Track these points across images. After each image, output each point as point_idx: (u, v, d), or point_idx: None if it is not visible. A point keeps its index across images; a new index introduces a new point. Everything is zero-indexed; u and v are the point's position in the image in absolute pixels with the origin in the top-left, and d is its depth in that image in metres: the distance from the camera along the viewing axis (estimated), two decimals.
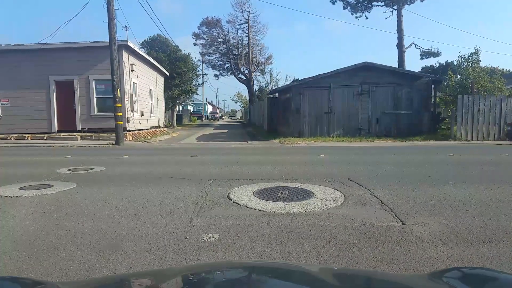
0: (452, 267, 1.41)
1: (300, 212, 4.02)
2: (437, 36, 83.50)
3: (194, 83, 33.74)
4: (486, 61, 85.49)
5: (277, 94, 26.35)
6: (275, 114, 24.18)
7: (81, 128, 17.85)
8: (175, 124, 32.54)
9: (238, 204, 4.30)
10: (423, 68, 34.47)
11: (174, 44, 32.57)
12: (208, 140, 19.65)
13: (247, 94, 45.81)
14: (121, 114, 15.17)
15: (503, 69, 36.11)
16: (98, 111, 17.94)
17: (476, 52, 19.04)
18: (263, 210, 4.06)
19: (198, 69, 34.96)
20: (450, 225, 3.65)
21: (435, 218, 3.89)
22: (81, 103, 17.89)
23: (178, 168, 7.33)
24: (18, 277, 1.60)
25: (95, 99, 17.97)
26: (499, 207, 4.28)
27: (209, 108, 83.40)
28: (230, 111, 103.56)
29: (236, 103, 76.96)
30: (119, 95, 15.09)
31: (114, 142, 14.97)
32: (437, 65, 35.47)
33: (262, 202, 4.38)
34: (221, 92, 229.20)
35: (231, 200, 4.46)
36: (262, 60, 45.02)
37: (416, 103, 18.72)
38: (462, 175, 6.27)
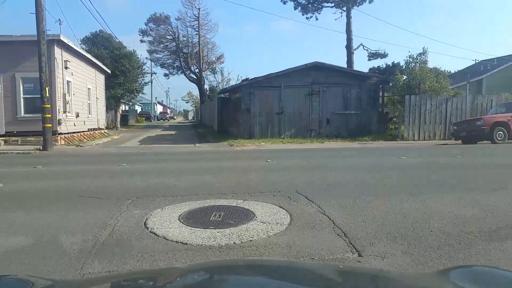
0: (457, 265, 1.53)
1: (234, 243, 3.18)
2: (384, 37, 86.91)
3: (139, 82, 32.01)
4: (432, 62, 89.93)
5: (228, 94, 25.49)
6: (226, 114, 23.30)
7: (6, 132, 15.90)
8: (118, 125, 30.62)
9: (156, 234, 3.37)
10: (370, 69, 35.08)
11: (118, 41, 30.67)
12: (152, 142, 18.35)
13: (199, 94, 44.49)
14: (49, 115, 13.58)
15: (445, 70, 37.84)
16: (25, 112, 16.07)
17: (424, 52, 19.33)
18: (186, 243, 3.17)
19: (144, 67, 33.20)
20: (416, 255, 2.98)
21: (397, 244, 3.21)
22: (5, 104, 15.94)
23: (96, 181, 6.21)
24: (19, 276, 1.56)
25: (22, 100, 16.08)
26: (468, 223, 3.70)
27: (159, 108, 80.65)
28: (183, 111, 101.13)
29: (187, 103, 74.96)
30: (47, 95, 13.50)
31: (41, 147, 13.35)
32: (384, 66, 36.29)
33: (188, 230, 3.48)
34: (173, 92, 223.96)
35: (148, 229, 3.51)
36: (214, 59, 43.95)
37: (365, 104, 18.63)
38: (418, 182, 5.76)
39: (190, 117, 73.49)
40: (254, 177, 6.41)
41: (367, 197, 4.74)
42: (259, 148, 14.51)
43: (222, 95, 27.21)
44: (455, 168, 7.16)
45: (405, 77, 19.48)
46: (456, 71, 32.50)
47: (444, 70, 36.46)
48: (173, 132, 26.81)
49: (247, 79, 19.57)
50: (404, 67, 20.23)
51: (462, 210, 4.15)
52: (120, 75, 28.63)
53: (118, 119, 31.50)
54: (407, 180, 6.02)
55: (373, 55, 34.87)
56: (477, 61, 30.75)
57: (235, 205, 4.35)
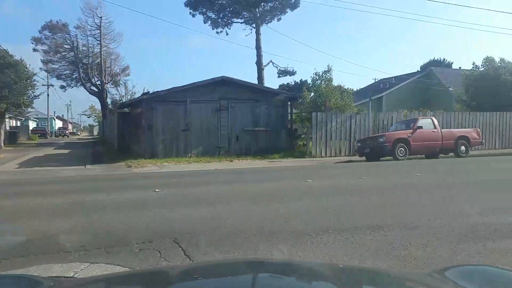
0: (457, 265, 1.58)
1: None
2: (293, 55, 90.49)
3: (29, 95, 28.18)
4: (337, 80, 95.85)
5: (130, 108, 23.42)
6: (128, 131, 21.23)
7: None
8: (2, 144, 26.49)
9: None
10: (280, 85, 35.65)
11: (1, 48, 26.71)
12: (35, 165, 15.70)
13: (101, 108, 41.03)
14: None
15: (349, 88, 40.06)
16: None
17: (329, 70, 19.66)
18: None
19: (35, 78, 29.38)
20: None
21: None
22: None
23: None
24: (19, 275, 1.57)
25: None
26: None
27: (58, 124, 73.48)
28: (88, 127, 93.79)
29: (89, 117, 69.28)
30: None
31: None
32: (293, 83, 37.11)
33: None
34: (78, 106, 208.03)
35: None
36: (118, 70, 41.03)
37: (274, 120, 18.21)
38: (326, 219, 4.93)
39: (95, 133, 68.12)
40: (126, 217, 5.04)
41: (268, 251, 3.71)
42: (160, 170, 13.03)
43: (126, 110, 25.02)
44: (363, 192, 6.60)
45: (312, 94, 19.56)
46: (359, 89, 34.37)
47: (348, 88, 38.49)
48: (67, 151, 23.83)
49: (147, 93, 17.94)
50: (311, 84, 20.37)
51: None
52: (4, 87, 24.83)
53: (2, 137, 27.28)
54: (311, 214, 5.18)
55: (283, 72, 35.43)
56: (376, 80, 32.85)
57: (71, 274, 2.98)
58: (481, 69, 22.85)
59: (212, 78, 17.28)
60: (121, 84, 39.81)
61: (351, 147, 17.64)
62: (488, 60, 22.56)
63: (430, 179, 8.23)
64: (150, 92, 18.27)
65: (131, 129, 20.25)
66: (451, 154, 15.48)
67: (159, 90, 17.26)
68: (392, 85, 30.34)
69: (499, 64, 22.05)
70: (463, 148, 15.17)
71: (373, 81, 33.69)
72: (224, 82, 17.45)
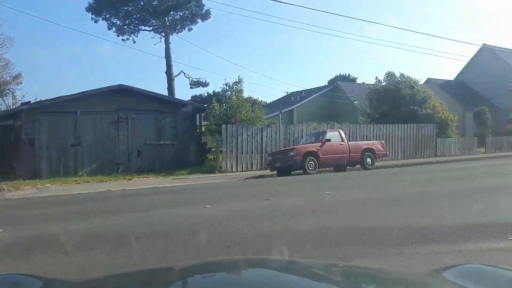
0: (457, 264, 1.46)
1: None
2: (206, 66, 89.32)
3: None
4: (251, 92, 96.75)
5: (13, 120, 20.17)
6: (7, 147, 18.11)
7: None
8: None
9: None
10: (192, 97, 34.35)
11: None
12: None
13: None
14: None
15: (262, 100, 40.19)
16: None
17: (240, 81, 18.92)
18: None
19: None
20: None
21: None
22: None
23: None
24: (19, 275, 1.51)
25: None
26: None
27: None
28: None
29: None
30: None
31: None
32: (206, 94, 36.02)
33: None
34: None
35: None
36: (8, 78, 36.10)
37: (182, 133, 16.83)
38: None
39: None
40: None
41: None
42: (38, 194, 10.87)
43: (9, 122, 21.53)
44: (266, 218, 5.61)
45: (224, 105, 18.59)
46: (272, 101, 34.49)
47: (261, 100, 38.50)
48: None
49: (28, 103, 15.38)
50: (221, 95, 19.43)
51: None
52: None
53: None
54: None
55: (195, 83, 34.17)
56: (288, 93, 33.23)
57: None
58: (383, 84, 24.03)
59: (108, 87, 15.43)
60: (7, 94, 34.99)
61: (263, 160, 16.93)
62: (390, 75, 23.82)
63: (340, 196, 7.59)
64: (32, 102, 15.68)
65: (11, 145, 17.27)
66: (358, 166, 15.54)
67: (43, 99, 14.90)
68: (302, 98, 30.86)
69: (399, 79, 23.36)
70: (369, 160, 15.30)
71: (285, 94, 34.05)
72: (123, 91, 15.67)
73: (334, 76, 47.97)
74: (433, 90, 27.03)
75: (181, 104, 17.31)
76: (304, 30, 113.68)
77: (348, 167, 15.75)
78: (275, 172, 14.85)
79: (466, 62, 36.44)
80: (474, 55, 35.86)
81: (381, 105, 23.14)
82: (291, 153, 13.90)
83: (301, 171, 14.05)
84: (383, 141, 16.94)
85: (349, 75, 50.24)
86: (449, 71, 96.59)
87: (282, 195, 8.12)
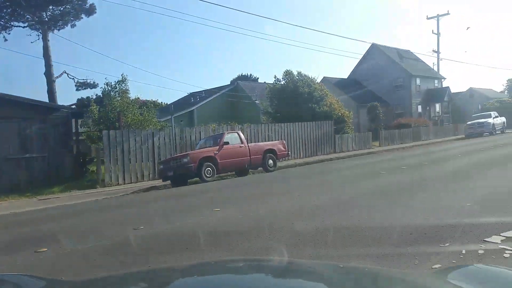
0: (457, 265, 1.53)
1: None
2: (95, 66, 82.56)
3: None
4: (146, 93, 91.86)
5: None
6: None
7: None
8: None
9: None
10: (79, 99, 30.41)
11: None
12: None
13: None
14: None
15: (162, 102, 37.61)
16: None
17: (124, 80, 16.53)
18: None
19: None
20: None
21: None
22: None
23: None
24: (19, 275, 1.50)
25: None
26: None
27: None
28: None
29: None
30: None
31: None
32: (95, 96, 32.38)
33: None
34: None
35: None
36: None
37: (54, 143, 14.06)
38: None
39: None
40: None
41: None
42: None
43: None
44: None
45: (105, 108, 16.09)
46: (171, 102, 32.26)
47: (162, 102, 36.03)
48: None
49: None
50: (103, 96, 16.88)
51: None
52: None
53: None
54: None
55: (82, 85, 30.37)
56: (188, 93, 31.41)
57: None
58: (282, 83, 23.62)
59: None
60: None
61: (155, 169, 14.95)
62: (288, 74, 23.48)
63: (230, 214, 6.18)
64: None
65: None
66: (261, 168, 14.51)
67: None
68: (203, 98, 29.31)
69: (297, 78, 23.13)
70: (271, 162, 14.34)
71: (187, 94, 32.16)
72: None
73: (237, 76, 47.40)
74: (329, 88, 27.58)
75: (51, 108, 14.52)
76: (207, 28, 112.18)
77: (251, 170, 14.64)
78: (169, 182, 13.06)
79: (358, 61, 38.51)
80: (365, 53, 37.99)
81: (282, 104, 22.66)
82: (185, 160, 12.24)
83: (198, 178, 12.50)
84: (284, 141, 16.17)
85: (251, 75, 50.15)
86: (344, 70, 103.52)
87: (160, 218, 6.44)
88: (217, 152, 12.75)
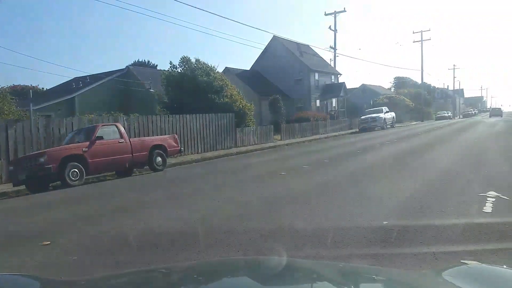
0: (458, 265, 1.46)
1: None
2: None
3: None
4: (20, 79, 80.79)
5: None
6: None
7: None
8: None
9: None
10: None
11: None
12: None
13: None
14: None
15: (42, 88, 32.21)
16: None
17: None
18: None
19: None
20: None
21: None
22: None
23: None
24: (19, 275, 1.55)
25: None
26: None
27: None
28: None
29: None
30: None
31: None
32: None
33: None
34: None
35: None
36: None
37: None
38: None
39: None
40: None
41: None
42: None
43: None
44: None
45: None
46: (48, 88, 27.70)
47: (42, 88, 30.88)
48: None
49: None
50: None
51: None
52: None
53: None
54: None
55: None
56: (70, 78, 27.15)
57: None
58: (179, 70, 21.40)
59: None
60: None
61: (23, 170, 11.75)
62: (185, 60, 21.31)
63: (68, 246, 4.13)
64: None
65: None
66: (147, 167, 12.33)
67: None
68: (88, 84, 25.54)
69: (195, 65, 21.10)
70: (159, 159, 12.23)
71: (69, 79, 27.78)
72: None
73: (133, 62, 43.39)
74: (231, 79, 26.14)
75: None
76: (102, 9, 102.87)
77: (136, 169, 12.37)
78: (23, 186, 10.18)
79: (260, 52, 37.80)
80: (266, 46, 37.40)
81: (178, 93, 20.47)
82: (41, 160, 9.52)
83: (60, 182, 9.90)
84: (176, 135, 14.10)
85: (149, 61, 46.46)
86: (247, 61, 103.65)
87: None
88: (86, 149, 10.23)
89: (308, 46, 40.23)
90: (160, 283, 1.25)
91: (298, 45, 38.44)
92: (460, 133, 20.48)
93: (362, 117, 30.87)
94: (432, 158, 10.64)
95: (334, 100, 38.58)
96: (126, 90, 26.69)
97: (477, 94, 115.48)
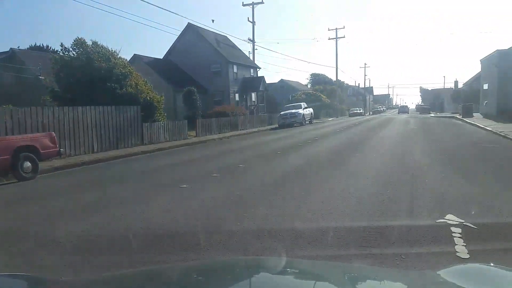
0: (458, 265, 1.43)
1: None
2: None
3: None
4: None
5: None
6: None
7: None
8: None
9: None
10: None
11: None
12: None
13: None
14: None
15: None
16: None
17: None
18: None
19: None
20: None
21: None
22: None
23: None
24: (19, 275, 1.49)
25: None
26: None
27: None
28: None
29: None
30: None
31: None
32: None
33: None
34: None
35: None
36: None
37: None
38: None
39: None
40: None
41: None
42: None
43: None
44: None
45: None
46: None
47: None
48: None
49: None
50: None
51: None
52: None
53: None
54: None
55: None
56: None
57: None
58: (73, 54, 18.06)
59: None
60: None
61: None
62: (80, 43, 18.00)
63: None
64: None
65: None
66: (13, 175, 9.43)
67: None
68: None
69: (92, 48, 17.94)
70: (29, 164, 9.41)
71: None
72: None
73: (29, 47, 37.62)
74: (141, 68, 23.34)
75: None
76: None
77: None
78: None
79: (175, 40, 35.01)
80: (181, 33, 34.72)
81: (72, 81, 17.19)
82: None
83: None
84: (53, 133, 11.19)
85: (47, 46, 40.78)
86: (161, 50, 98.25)
87: None
88: None
89: (226, 37, 38.37)
90: (160, 283, 1.23)
91: (216, 35, 36.36)
92: (380, 130, 20.27)
93: (282, 113, 29.95)
94: (360, 163, 9.44)
95: (253, 95, 37.28)
96: (10, 77, 22.34)
97: (384, 92, 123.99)
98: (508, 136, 14.13)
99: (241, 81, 35.58)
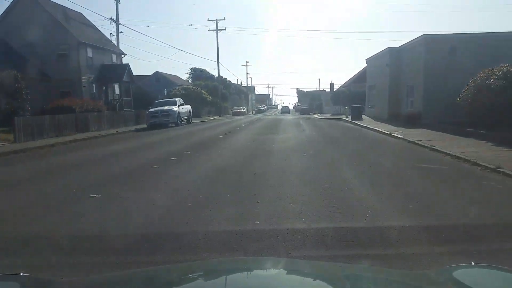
0: (458, 265, 1.39)
1: None
2: None
3: None
4: None
5: None
6: None
7: None
8: None
9: None
10: None
11: None
12: None
13: None
14: None
15: None
16: None
17: None
18: None
19: None
20: None
21: None
22: None
23: None
24: (20, 275, 1.43)
25: None
26: None
27: None
28: None
29: None
30: None
31: None
32: None
33: None
34: None
35: None
36: None
37: None
38: None
39: None
40: None
41: None
42: None
43: None
44: None
45: None
46: None
47: None
48: None
49: None
50: None
51: None
52: None
53: None
54: None
55: None
56: None
57: None
58: None
59: None
60: None
61: None
62: None
63: None
64: None
65: None
66: None
67: None
68: None
69: None
70: None
71: None
72: None
73: None
74: None
75: None
76: None
77: None
78: None
79: (4, 10, 25.83)
80: (14, 1, 25.79)
81: None
82: None
83: None
84: None
85: None
86: None
87: None
88: None
89: (81, 14, 30.40)
90: (160, 283, 1.22)
91: (66, 9, 28.26)
92: (274, 137, 15.84)
93: (151, 110, 23.91)
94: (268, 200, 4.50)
95: (116, 87, 30.06)
96: None
97: (265, 91, 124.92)
98: (437, 148, 10.88)
99: (99, 69, 28.04)
